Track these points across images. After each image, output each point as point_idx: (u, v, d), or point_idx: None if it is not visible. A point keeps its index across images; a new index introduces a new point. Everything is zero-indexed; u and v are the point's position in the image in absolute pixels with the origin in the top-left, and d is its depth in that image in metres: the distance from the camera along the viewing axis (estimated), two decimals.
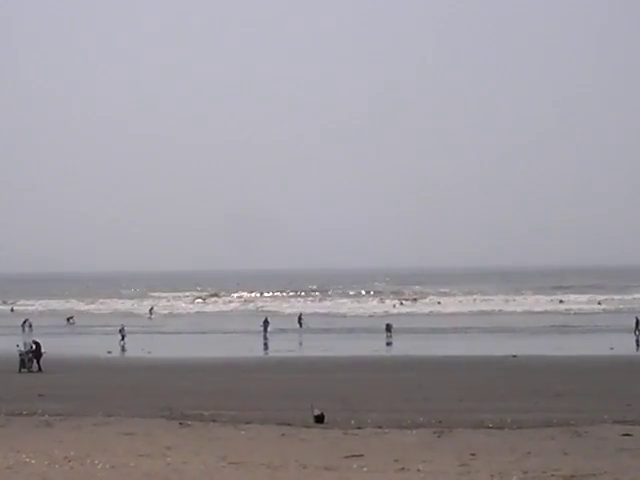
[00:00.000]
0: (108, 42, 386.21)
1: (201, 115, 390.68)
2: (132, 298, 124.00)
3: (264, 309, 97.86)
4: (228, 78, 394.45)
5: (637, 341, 58.15)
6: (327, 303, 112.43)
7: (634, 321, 63.07)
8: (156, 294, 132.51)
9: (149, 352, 53.66)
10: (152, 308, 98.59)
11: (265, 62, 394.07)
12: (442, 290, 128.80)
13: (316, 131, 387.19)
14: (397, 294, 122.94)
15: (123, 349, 56.05)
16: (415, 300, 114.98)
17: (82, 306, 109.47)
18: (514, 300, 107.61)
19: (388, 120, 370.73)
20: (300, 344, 60.37)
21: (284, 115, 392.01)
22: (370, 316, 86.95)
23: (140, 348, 55.14)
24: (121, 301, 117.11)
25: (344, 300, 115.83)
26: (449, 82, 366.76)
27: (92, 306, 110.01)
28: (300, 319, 74.72)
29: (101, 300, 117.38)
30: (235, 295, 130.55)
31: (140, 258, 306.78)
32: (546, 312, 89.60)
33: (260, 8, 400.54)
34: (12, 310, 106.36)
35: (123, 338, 59.26)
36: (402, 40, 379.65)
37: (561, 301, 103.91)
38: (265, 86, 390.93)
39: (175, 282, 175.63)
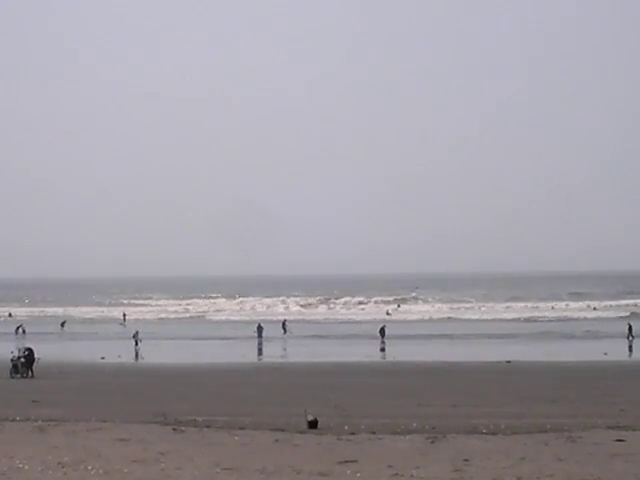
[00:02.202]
0: (106, 41, 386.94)
1: (199, 113, 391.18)
2: (115, 305, 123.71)
3: (257, 315, 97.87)
4: (227, 73, 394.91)
5: (630, 347, 58.26)
6: (320, 309, 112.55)
7: (627, 327, 63.41)
8: (134, 301, 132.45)
9: (142, 358, 53.65)
10: (125, 315, 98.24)
11: (266, 58, 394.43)
12: (438, 296, 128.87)
13: (317, 133, 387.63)
14: (392, 300, 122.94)
15: (137, 355, 55.85)
16: (411, 303, 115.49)
17: (73, 312, 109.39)
18: (509, 306, 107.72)
19: (390, 123, 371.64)
20: (292, 350, 60.27)
21: (285, 115, 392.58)
22: (364, 322, 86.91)
23: (134, 354, 55.18)
24: (106, 308, 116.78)
25: (338, 306, 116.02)
26: (451, 87, 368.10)
27: (78, 312, 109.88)
28: (284, 325, 74.80)
29: (85, 308, 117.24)
30: (225, 300, 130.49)
31: (137, 263, 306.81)
32: (540, 318, 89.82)
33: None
34: (10, 315, 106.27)
35: (137, 344, 59.13)
36: (403, 38, 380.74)
37: (552, 307, 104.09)
38: (265, 83, 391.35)
39: (168, 288, 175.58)
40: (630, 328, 63.04)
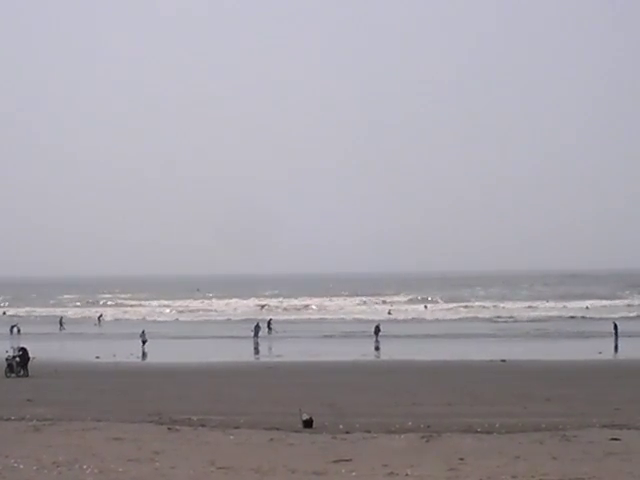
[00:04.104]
0: (107, 41, 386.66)
1: (200, 112, 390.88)
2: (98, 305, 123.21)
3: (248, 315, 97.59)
4: (229, 72, 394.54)
5: (616, 346, 58.15)
6: (321, 307, 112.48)
7: (612, 326, 63.61)
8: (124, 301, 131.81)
9: (137, 357, 53.61)
10: (101, 316, 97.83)
11: (267, 58, 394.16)
12: (433, 295, 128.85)
13: (318, 132, 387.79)
14: (388, 300, 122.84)
15: (144, 354, 55.76)
16: (411, 303, 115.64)
17: (67, 311, 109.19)
18: (504, 305, 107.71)
19: (391, 123, 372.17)
20: (287, 349, 60.19)
21: (287, 116, 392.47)
22: (365, 321, 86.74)
23: (129, 353, 55.11)
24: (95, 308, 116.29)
25: (333, 304, 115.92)
26: (452, 92, 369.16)
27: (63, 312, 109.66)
28: (269, 324, 74.77)
29: (73, 309, 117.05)
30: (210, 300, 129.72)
31: (135, 262, 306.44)
32: (535, 317, 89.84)
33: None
34: (4, 314, 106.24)
35: (144, 343, 58.88)
36: (417, 44, 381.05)
37: (547, 306, 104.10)
38: (268, 85, 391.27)
39: (165, 287, 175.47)
40: (615, 327, 63.21)
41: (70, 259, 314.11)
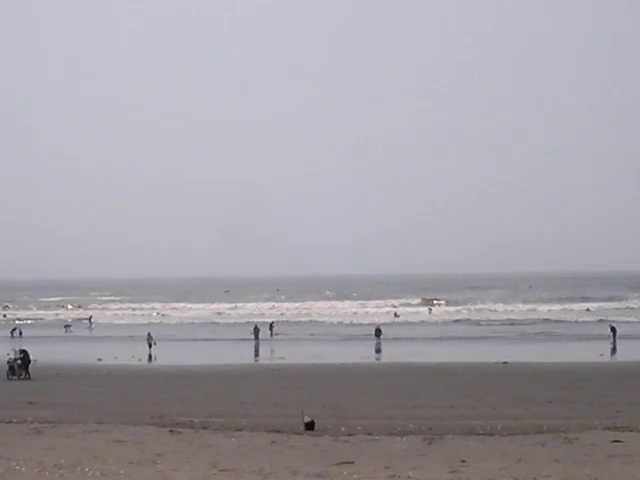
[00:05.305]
0: (108, 40, 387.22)
1: (199, 112, 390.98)
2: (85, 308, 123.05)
3: (250, 317, 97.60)
4: (230, 71, 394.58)
5: (614, 348, 58.04)
6: (317, 310, 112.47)
7: (610, 329, 63.45)
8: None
9: (139, 359, 53.59)
10: (91, 317, 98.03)
11: (271, 62, 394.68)
12: (436, 297, 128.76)
13: (319, 132, 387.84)
14: (391, 303, 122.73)
15: (150, 357, 55.68)
16: (416, 305, 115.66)
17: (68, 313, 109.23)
18: (505, 307, 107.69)
19: (391, 123, 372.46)
20: (289, 351, 60.24)
21: (288, 117, 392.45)
22: (361, 323, 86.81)
23: (130, 355, 55.09)
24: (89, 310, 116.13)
25: (335, 307, 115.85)
26: (453, 93, 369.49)
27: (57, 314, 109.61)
28: (271, 327, 74.77)
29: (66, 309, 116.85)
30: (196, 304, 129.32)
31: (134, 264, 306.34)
32: (537, 319, 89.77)
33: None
34: (5, 316, 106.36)
35: (150, 346, 58.69)
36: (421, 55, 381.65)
37: (549, 310, 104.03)
38: (269, 86, 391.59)
39: (162, 290, 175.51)
40: (613, 329, 63.06)
41: (70, 261, 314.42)
